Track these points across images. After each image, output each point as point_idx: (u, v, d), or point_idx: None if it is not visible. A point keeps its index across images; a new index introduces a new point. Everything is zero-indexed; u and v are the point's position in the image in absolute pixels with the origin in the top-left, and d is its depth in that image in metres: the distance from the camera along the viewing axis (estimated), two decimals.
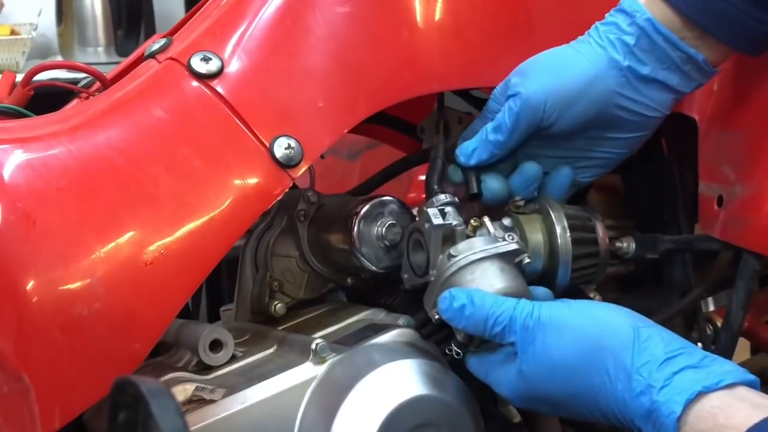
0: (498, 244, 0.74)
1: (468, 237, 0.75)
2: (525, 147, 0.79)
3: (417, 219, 0.78)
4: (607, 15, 0.77)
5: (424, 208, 0.77)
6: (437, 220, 0.74)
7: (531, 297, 0.72)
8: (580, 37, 0.78)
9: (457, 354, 0.73)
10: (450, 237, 0.74)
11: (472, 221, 0.76)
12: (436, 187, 0.80)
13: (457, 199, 0.77)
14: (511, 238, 0.75)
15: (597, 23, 0.77)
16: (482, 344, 0.73)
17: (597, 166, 0.81)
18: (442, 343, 0.80)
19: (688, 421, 0.60)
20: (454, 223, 0.74)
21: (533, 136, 0.78)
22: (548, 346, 0.67)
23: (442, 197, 0.77)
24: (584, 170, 0.81)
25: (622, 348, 0.64)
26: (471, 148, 0.79)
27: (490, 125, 0.78)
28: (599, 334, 0.66)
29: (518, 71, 0.78)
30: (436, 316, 0.74)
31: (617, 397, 0.64)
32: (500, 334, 0.69)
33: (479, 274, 0.72)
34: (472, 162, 0.78)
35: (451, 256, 0.73)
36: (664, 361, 0.63)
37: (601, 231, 0.80)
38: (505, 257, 0.73)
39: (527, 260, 0.74)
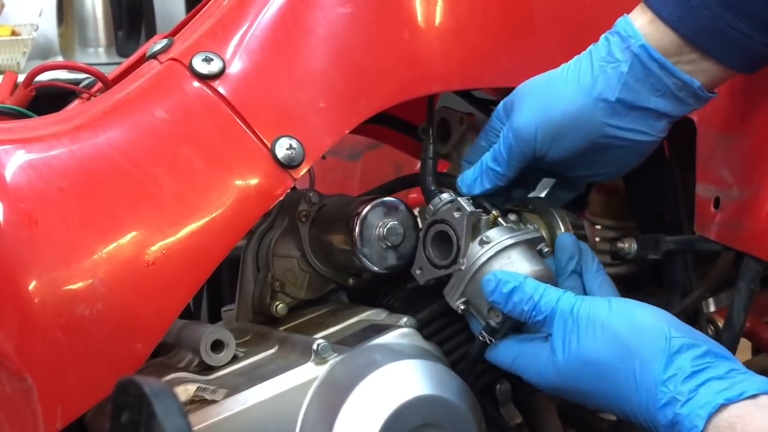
0: (526, 231, 0.77)
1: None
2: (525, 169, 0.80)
3: (432, 212, 0.79)
4: (602, 37, 0.76)
5: (431, 206, 0.79)
6: (470, 208, 0.76)
7: (556, 283, 0.75)
8: (575, 59, 0.77)
9: (490, 341, 0.75)
10: (476, 226, 0.76)
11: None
12: (433, 188, 0.81)
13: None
14: (534, 227, 0.79)
15: (591, 46, 0.76)
16: (510, 331, 0.75)
17: (596, 179, 0.83)
18: (444, 343, 0.80)
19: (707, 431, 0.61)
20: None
21: (530, 162, 0.78)
22: (583, 342, 0.69)
23: (446, 196, 0.78)
24: (583, 183, 0.83)
25: (651, 358, 0.66)
26: (472, 178, 0.80)
27: (488, 155, 0.79)
28: (633, 340, 0.67)
29: (515, 94, 0.79)
30: (462, 307, 0.76)
31: (641, 405, 0.65)
32: (540, 322, 0.71)
33: (515, 257, 0.74)
34: (475, 192, 0.80)
35: (484, 242, 0.75)
36: (691, 374, 0.64)
37: (589, 232, 0.82)
38: (532, 244, 0.76)
39: (546, 248, 0.77)
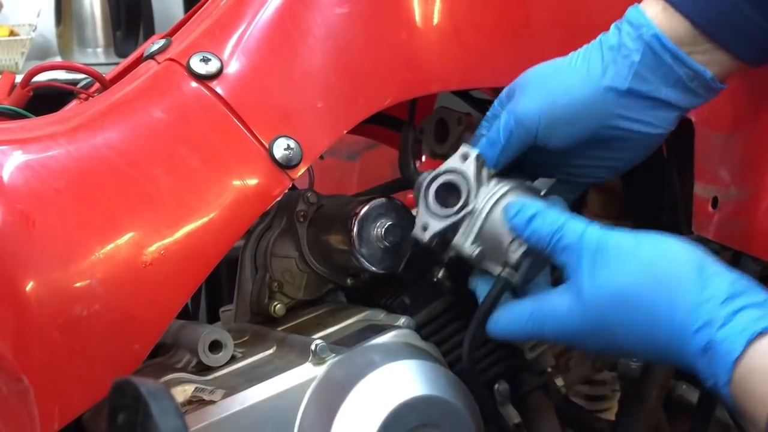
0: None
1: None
2: (522, 157, 0.78)
3: (418, 188, 0.78)
4: (612, 26, 0.75)
5: (435, 172, 0.77)
6: (475, 151, 0.76)
7: None
8: (584, 48, 0.76)
9: (510, 277, 0.72)
10: (480, 175, 0.76)
11: None
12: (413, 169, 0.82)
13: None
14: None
15: (601, 35, 0.75)
16: (527, 277, 0.72)
17: (598, 176, 0.80)
18: (442, 344, 0.80)
19: (743, 360, 0.60)
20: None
21: (530, 150, 0.77)
22: (613, 271, 0.66)
23: (426, 174, 0.77)
24: (584, 178, 0.81)
25: (686, 282, 0.63)
26: None
27: (484, 139, 0.78)
28: (666, 266, 0.65)
29: (519, 81, 0.77)
30: (476, 251, 0.74)
31: (675, 330, 0.63)
32: (561, 250, 0.68)
33: (531, 195, 0.74)
34: None
35: (498, 181, 0.75)
36: (727, 298, 0.62)
37: None
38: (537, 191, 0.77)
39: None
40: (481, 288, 0.75)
